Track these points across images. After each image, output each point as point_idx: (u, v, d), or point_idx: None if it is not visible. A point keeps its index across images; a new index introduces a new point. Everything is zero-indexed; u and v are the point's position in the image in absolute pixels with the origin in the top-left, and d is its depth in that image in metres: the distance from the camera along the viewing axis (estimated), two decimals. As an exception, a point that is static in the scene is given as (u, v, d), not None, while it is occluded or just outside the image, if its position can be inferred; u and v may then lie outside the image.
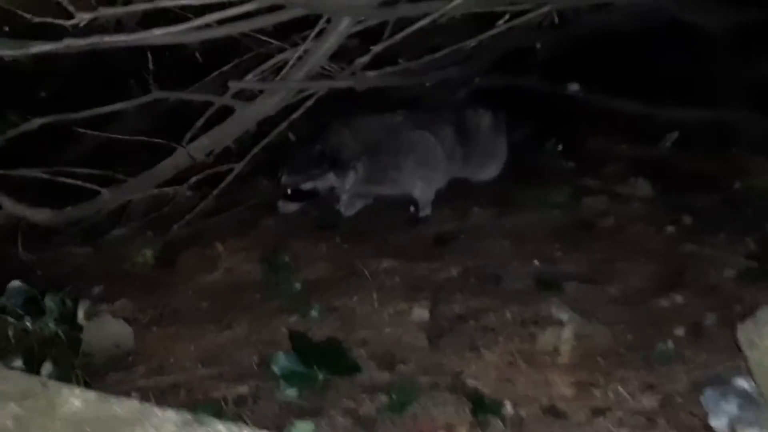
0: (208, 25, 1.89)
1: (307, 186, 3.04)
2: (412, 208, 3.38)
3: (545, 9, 2.24)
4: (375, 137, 3.18)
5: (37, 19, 1.64)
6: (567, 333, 2.31)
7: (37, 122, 2.19)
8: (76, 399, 1.32)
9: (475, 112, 3.42)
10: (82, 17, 1.64)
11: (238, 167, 2.61)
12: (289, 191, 3.07)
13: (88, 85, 3.16)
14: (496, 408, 1.91)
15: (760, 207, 3.08)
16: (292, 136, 3.12)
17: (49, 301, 1.95)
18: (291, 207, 3.11)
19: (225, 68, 2.59)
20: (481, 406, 1.90)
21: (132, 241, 2.79)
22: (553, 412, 2.01)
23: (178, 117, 2.76)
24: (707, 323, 2.37)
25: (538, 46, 2.89)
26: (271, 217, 3.28)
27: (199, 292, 2.75)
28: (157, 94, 2.25)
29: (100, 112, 2.29)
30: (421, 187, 3.30)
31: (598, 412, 2.00)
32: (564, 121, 3.72)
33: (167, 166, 2.40)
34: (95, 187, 2.42)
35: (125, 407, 1.33)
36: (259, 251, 3.03)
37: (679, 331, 2.33)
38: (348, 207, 3.32)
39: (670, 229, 3.04)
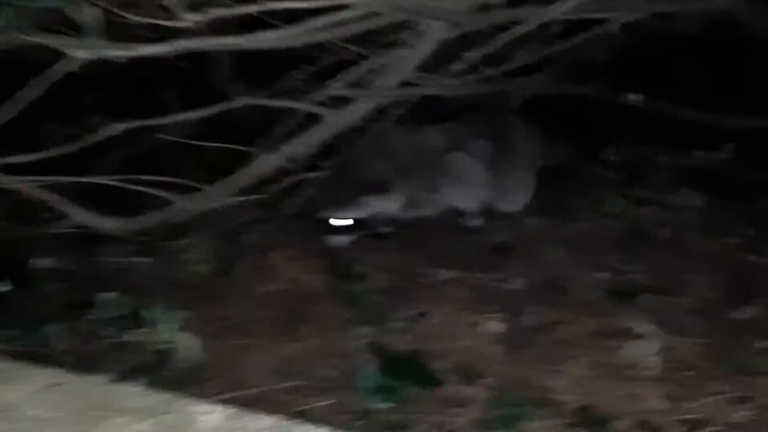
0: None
1: (348, 216, 2.95)
2: (459, 219, 3.34)
3: (627, 16, 2.22)
4: (407, 156, 3.09)
5: (136, 19, 1.60)
6: (653, 346, 2.28)
7: (119, 128, 2.13)
8: (211, 415, 1.27)
9: (513, 130, 3.33)
10: (189, 19, 1.60)
11: (312, 175, 2.55)
12: (333, 224, 2.97)
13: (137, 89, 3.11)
14: (603, 423, 1.87)
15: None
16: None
17: (147, 314, 1.89)
18: (342, 240, 3.02)
19: (294, 74, 2.54)
20: (589, 421, 1.85)
21: (193, 250, 2.71)
22: (648, 426, 1.98)
23: (237, 122, 2.71)
24: (786, 336, 2.35)
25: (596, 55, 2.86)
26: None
27: (261, 302, 2.68)
28: (242, 99, 2.20)
29: (187, 118, 2.23)
30: (465, 200, 3.23)
31: (695, 425, 1.97)
32: (614, 129, 3.71)
33: (251, 174, 2.35)
34: (164, 194, 2.35)
35: (262, 423, 1.28)
36: (314, 260, 2.98)
37: (760, 344, 2.32)
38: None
39: (730, 240, 3.03)
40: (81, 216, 2.31)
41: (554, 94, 3.18)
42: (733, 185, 3.42)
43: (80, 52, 1.56)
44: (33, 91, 1.60)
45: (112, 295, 2.00)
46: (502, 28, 2.16)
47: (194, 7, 1.57)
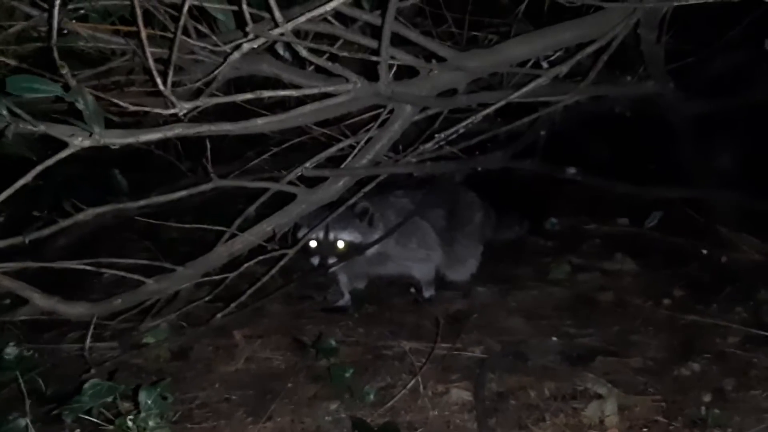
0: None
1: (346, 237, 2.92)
2: (412, 290, 3.44)
3: (571, 99, 2.42)
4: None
5: (132, 108, 1.65)
6: (611, 406, 2.39)
7: (92, 212, 2.12)
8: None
9: (468, 202, 3.46)
10: (183, 106, 1.66)
11: (291, 252, 2.59)
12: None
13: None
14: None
15: (747, 279, 3.31)
16: None
17: (145, 398, 1.85)
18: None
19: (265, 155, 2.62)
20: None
21: (154, 332, 2.67)
22: (618, 484, 2.07)
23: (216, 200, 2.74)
24: (728, 388, 2.51)
25: (543, 133, 3.08)
26: (277, 303, 3.25)
27: (225, 383, 2.66)
28: (217, 182, 2.24)
29: (157, 201, 2.25)
30: (421, 267, 3.35)
31: (663, 480, 2.07)
32: (550, 201, 3.94)
33: (221, 253, 2.37)
34: (138, 277, 2.34)
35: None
36: (274, 338, 2.99)
37: (707, 397, 2.47)
38: (346, 287, 3.31)
39: (665, 301, 3.22)
40: (45, 302, 2.26)
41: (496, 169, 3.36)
42: (661, 250, 3.67)
43: (79, 140, 1.59)
44: (27, 177, 1.60)
45: (98, 381, 1.94)
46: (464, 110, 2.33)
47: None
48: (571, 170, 3.36)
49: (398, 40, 2.11)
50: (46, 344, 2.62)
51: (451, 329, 3.01)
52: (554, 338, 2.90)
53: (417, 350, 2.83)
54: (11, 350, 2.15)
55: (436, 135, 2.39)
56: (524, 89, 2.18)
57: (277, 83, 2.53)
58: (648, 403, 2.44)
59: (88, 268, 2.32)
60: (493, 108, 2.24)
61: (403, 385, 2.55)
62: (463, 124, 2.26)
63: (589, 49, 2.24)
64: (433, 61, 2.13)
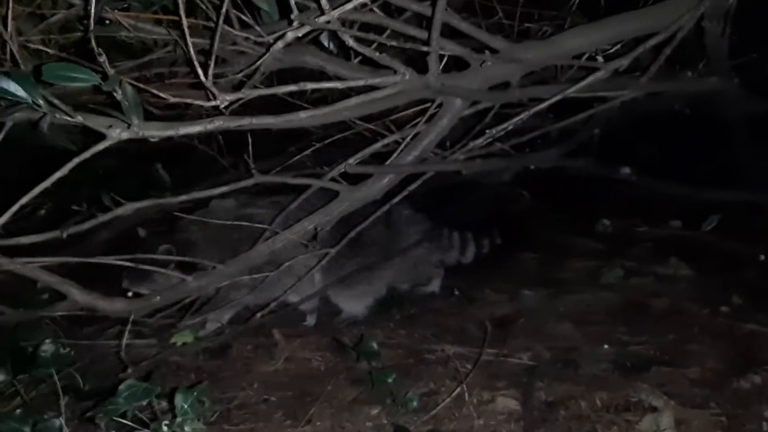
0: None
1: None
2: (456, 292, 3.34)
3: (630, 95, 2.29)
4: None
5: (173, 100, 1.58)
6: (667, 419, 2.27)
7: (132, 207, 2.08)
8: None
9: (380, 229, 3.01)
10: (224, 98, 1.59)
11: (333, 251, 2.52)
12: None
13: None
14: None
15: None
16: (142, 232, 2.81)
17: (181, 401, 1.79)
18: None
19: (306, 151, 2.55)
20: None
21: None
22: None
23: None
24: (793, 404, 2.37)
25: (597, 131, 2.95)
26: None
27: (264, 383, 2.60)
28: (258, 177, 2.18)
29: (198, 196, 2.19)
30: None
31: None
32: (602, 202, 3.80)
33: (262, 251, 2.30)
34: (178, 274, 2.29)
35: None
36: (313, 338, 2.92)
37: (769, 413, 2.32)
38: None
39: (724, 309, 3.06)
40: (83, 298, 2.22)
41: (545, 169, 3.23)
42: (717, 255, 3.50)
43: (117, 132, 1.53)
44: (64, 170, 1.55)
45: (134, 382, 1.89)
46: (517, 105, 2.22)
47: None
48: (625, 170, 3.22)
49: (447, 32, 2.01)
50: (84, 340, 2.59)
51: (497, 334, 2.90)
52: (606, 346, 2.77)
53: (461, 355, 2.73)
54: (48, 347, 2.11)
55: (487, 131, 2.28)
56: (581, 84, 2.06)
57: (321, 76, 2.46)
58: (707, 417, 2.30)
59: (127, 264, 2.27)
60: (547, 103, 2.12)
61: (447, 392, 2.46)
62: (517, 119, 2.15)
63: (651, 42, 2.11)
64: (486, 52, 2.02)
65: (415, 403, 2.30)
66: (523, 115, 2.13)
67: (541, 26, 2.63)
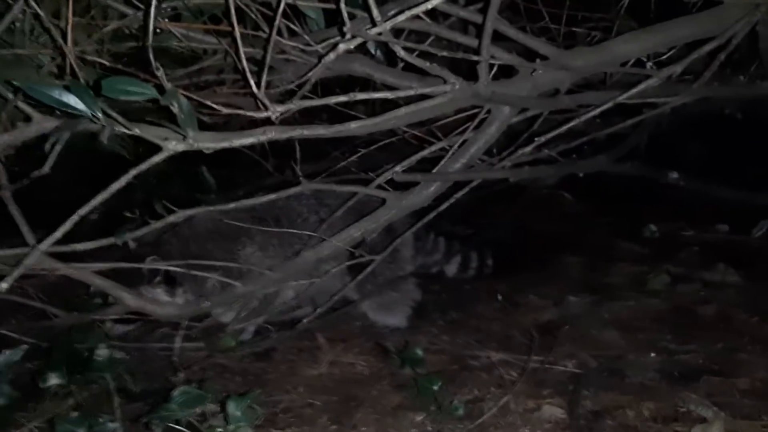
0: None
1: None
2: (499, 296, 3.32)
3: (683, 100, 2.25)
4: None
5: (226, 111, 1.60)
6: (716, 430, 2.23)
7: (184, 214, 2.11)
8: None
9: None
10: (276, 110, 1.60)
11: (379, 258, 2.53)
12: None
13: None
14: None
15: None
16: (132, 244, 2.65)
17: (234, 409, 1.82)
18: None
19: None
20: None
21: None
22: None
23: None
24: None
25: (645, 135, 2.90)
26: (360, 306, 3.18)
27: (309, 387, 2.62)
28: (306, 185, 2.19)
29: (247, 204, 2.22)
30: None
31: None
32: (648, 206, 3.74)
33: (308, 258, 2.32)
34: (227, 280, 2.33)
35: None
36: (357, 342, 2.93)
37: (824, 425, 2.27)
38: None
39: (774, 317, 3.00)
40: (135, 302, 2.26)
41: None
42: (766, 261, 3.43)
43: (173, 144, 1.55)
44: (123, 181, 1.58)
45: (188, 388, 1.92)
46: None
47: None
48: (674, 175, 3.16)
49: (493, 37, 2.00)
50: (134, 342, 2.64)
51: (542, 341, 2.88)
52: (653, 354, 2.73)
53: (506, 362, 2.72)
54: (102, 352, 2.16)
55: (535, 138, 2.26)
56: (633, 90, 2.03)
57: (366, 82, 2.46)
58: (757, 428, 2.26)
59: (177, 269, 2.31)
60: (598, 111, 2.10)
61: (492, 399, 2.45)
62: (566, 126, 2.13)
63: (706, 48, 2.07)
64: (537, 60, 2.00)
65: (460, 411, 2.29)
66: (573, 123, 2.11)
67: (589, 31, 2.59)
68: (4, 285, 1.55)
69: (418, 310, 3.17)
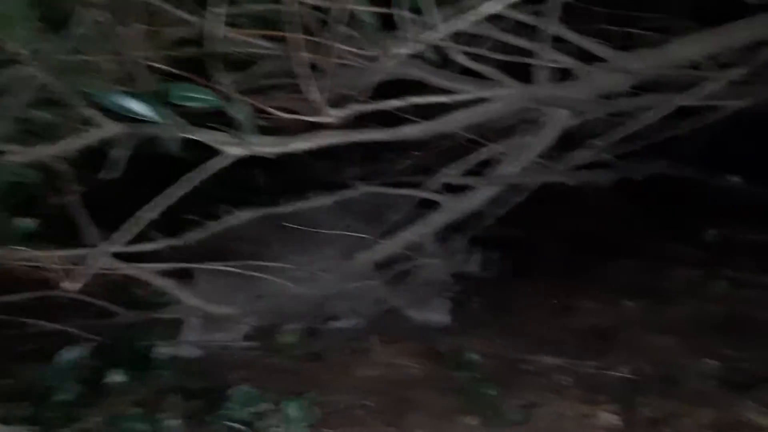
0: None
1: None
2: (555, 301, 3.28)
3: (747, 103, 2.20)
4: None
5: (285, 116, 1.63)
6: (780, 441, 2.17)
7: (244, 216, 2.16)
8: None
9: None
10: (333, 115, 1.62)
11: (433, 261, 2.54)
12: None
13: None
14: None
15: None
16: None
17: (291, 410, 1.85)
18: None
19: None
20: None
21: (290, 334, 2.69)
22: None
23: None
24: None
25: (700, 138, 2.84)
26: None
27: (361, 388, 2.64)
28: (361, 188, 2.22)
29: (303, 206, 2.25)
30: None
31: None
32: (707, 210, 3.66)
33: (363, 260, 2.35)
34: (281, 280, 2.36)
35: None
36: (409, 344, 2.93)
37: None
38: None
39: (841, 326, 2.90)
40: (194, 301, 2.32)
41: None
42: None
43: (234, 149, 1.59)
44: (185, 185, 1.63)
45: (247, 388, 1.96)
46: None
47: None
48: (734, 178, 3.08)
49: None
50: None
51: (597, 346, 2.84)
52: (711, 360, 2.67)
53: (560, 367, 2.69)
54: (165, 350, 2.22)
55: (593, 141, 2.24)
56: (694, 93, 1.99)
57: (419, 84, 2.46)
58: (820, 440, 2.20)
59: (233, 269, 2.35)
60: (658, 115, 2.06)
61: (547, 404, 2.43)
62: (624, 130, 2.10)
63: (769, 50, 2.02)
64: (596, 64, 1.98)
65: (515, 416, 2.28)
66: (631, 126, 2.08)
67: (646, 32, 2.55)
68: (76, 285, 1.60)
69: (469, 312, 3.18)
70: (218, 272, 2.45)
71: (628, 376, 2.62)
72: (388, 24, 2.30)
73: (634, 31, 2.54)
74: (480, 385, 2.36)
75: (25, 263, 2.02)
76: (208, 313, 2.37)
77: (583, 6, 2.66)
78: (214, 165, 1.59)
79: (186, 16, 2.23)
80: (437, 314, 3.05)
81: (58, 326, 2.59)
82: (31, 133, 2.35)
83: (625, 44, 2.73)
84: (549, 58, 1.82)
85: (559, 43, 2.06)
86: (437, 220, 2.25)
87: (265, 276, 2.38)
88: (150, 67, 2.21)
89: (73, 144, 1.98)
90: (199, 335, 2.55)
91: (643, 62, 2.02)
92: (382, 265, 2.52)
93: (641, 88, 2.49)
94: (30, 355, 2.80)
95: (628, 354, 2.76)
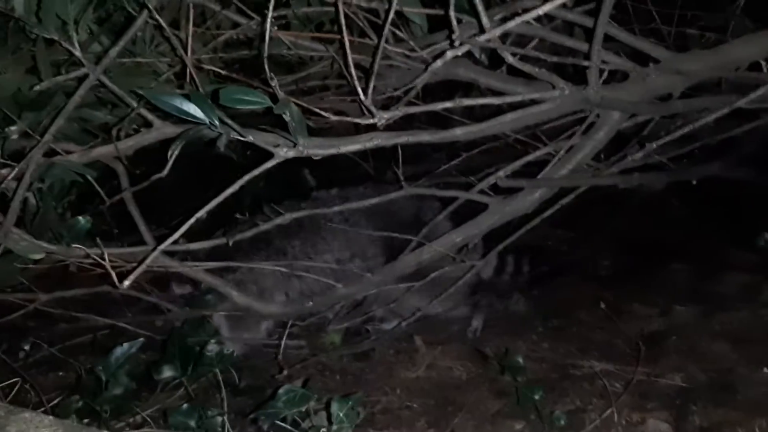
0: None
1: None
2: (602, 305, 3.22)
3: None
4: None
5: (334, 118, 1.64)
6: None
7: (290, 217, 2.19)
8: None
9: None
10: (382, 116, 1.63)
11: (480, 263, 2.53)
12: None
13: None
14: None
15: None
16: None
17: (337, 410, 1.87)
18: None
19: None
20: None
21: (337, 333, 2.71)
22: None
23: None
24: None
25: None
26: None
27: (406, 389, 2.64)
28: (408, 189, 2.22)
29: (351, 207, 2.26)
30: None
31: None
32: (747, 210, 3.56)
33: (409, 262, 2.35)
34: (329, 281, 2.38)
35: None
36: (455, 346, 2.92)
37: None
38: None
39: None
40: (242, 300, 2.35)
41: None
42: None
43: (284, 151, 1.60)
44: (237, 185, 1.65)
45: (294, 387, 1.98)
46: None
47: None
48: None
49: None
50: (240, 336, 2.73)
51: (648, 352, 2.77)
52: (766, 369, 2.59)
53: (609, 372, 2.65)
54: (212, 347, 2.26)
55: (646, 144, 2.19)
56: (752, 95, 1.93)
57: (469, 85, 2.45)
58: None
59: (282, 269, 2.38)
60: (714, 116, 2.01)
61: (595, 410, 2.39)
62: (680, 132, 2.05)
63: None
64: (651, 65, 1.94)
65: (562, 421, 2.25)
66: (687, 128, 2.03)
67: (702, 32, 2.48)
68: (126, 282, 1.64)
69: (516, 313, 3.15)
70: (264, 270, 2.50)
71: (680, 383, 2.56)
72: (437, 24, 2.30)
73: (690, 31, 2.49)
74: (526, 389, 2.32)
75: (80, 261, 2.07)
76: (241, 310, 2.40)
77: (637, 4, 2.62)
78: (264, 166, 1.60)
79: (238, 18, 2.28)
80: (475, 318, 3.01)
81: (110, 321, 2.66)
82: (88, 132, 2.43)
83: (681, 43, 2.69)
84: (601, 58, 1.78)
85: (611, 42, 2.02)
86: (485, 222, 2.23)
87: (310, 275, 2.40)
88: (202, 69, 2.26)
89: (128, 144, 2.03)
90: (227, 332, 2.58)
91: (699, 64, 1.97)
92: (423, 267, 2.50)
93: (697, 88, 2.44)
94: (84, 348, 2.90)
95: (679, 360, 2.70)
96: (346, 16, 2.25)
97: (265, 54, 1.52)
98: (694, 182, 2.42)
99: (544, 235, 3.76)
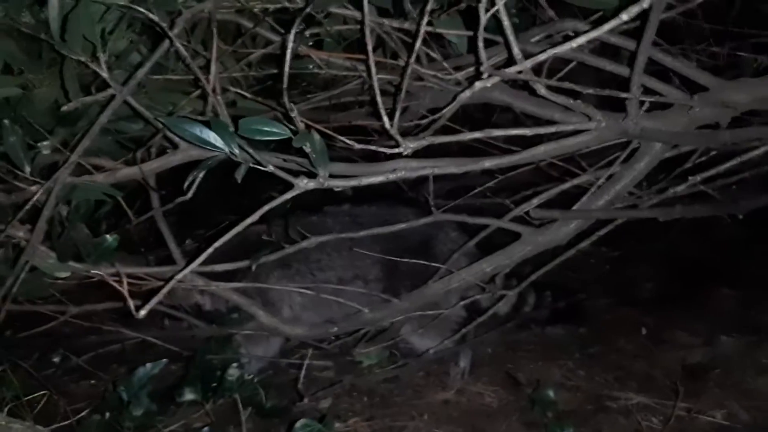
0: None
1: None
2: (644, 330, 3.09)
3: None
4: None
5: (358, 146, 1.59)
6: None
7: (315, 241, 2.15)
8: None
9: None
10: (408, 146, 1.57)
11: (512, 293, 2.46)
12: None
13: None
14: None
15: None
16: None
17: None
18: None
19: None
20: None
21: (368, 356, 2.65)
22: None
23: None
24: None
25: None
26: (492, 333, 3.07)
27: (434, 414, 2.57)
28: (437, 216, 2.15)
29: (380, 232, 2.21)
30: None
31: None
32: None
33: (437, 289, 2.28)
34: (354, 305, 2.34)
35: None
36: (487, 370, 2.85)
37: None
38: None
39: None
40: (268, 320, 2.32)
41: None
42: None
43: (305, 183, 1.56)
44: (255, 216, 1.62)
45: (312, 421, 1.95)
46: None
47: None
48: None
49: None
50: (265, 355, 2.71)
51: (688, 385, 2.64)
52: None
53: (646, 406, 2.54)
54: (233, 371, 2.23)
55: (690, 177, 2.08)
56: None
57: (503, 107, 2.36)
58: None
59: (307, 291, 2.35)
60: (764, 149, 1.89)
61: (629, 448, 2.30)
62: (727, 165, 1.94)
63: None
64: (697, 95, 1.82)
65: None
66: (735, 161, 1.92)
67: (756, 56, 2.35)
68: (155, 300, 1.63)
69: (552, 338, 3.05)
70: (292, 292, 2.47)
71: (721, 421, 2.44)
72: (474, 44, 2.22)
73: (742, 54, 2.36)
74: (555, 426, 2.23)
75: (108, 278, 2.06)
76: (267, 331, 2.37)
77: (688, 19, 2.49)
78: (285, 197, 1.56)
79: (270, 36, 2.24)
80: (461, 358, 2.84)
81: (138, 335, 2.66)
82: (121, 145, 2.43)
83: (733, 61, 2.54)
84: (642, 88, 1.68)
85: (653, 66, 1.92)
86: (517, 252, 2.14)
87: (338, 299, 2.35)
88: (232, 85, 2.24)
89: (152, 166, 2.01)
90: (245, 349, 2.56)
91: (750, 94, 1.84)
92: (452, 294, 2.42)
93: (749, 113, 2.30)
94: (113, 357, 2.91)
95: (722, 396, 2.58)
96: (379, 35, 2.21)
97: (285, 85, 1.47)
98: (741, 216, 2.29)
99: (586, 252, 3.64)
